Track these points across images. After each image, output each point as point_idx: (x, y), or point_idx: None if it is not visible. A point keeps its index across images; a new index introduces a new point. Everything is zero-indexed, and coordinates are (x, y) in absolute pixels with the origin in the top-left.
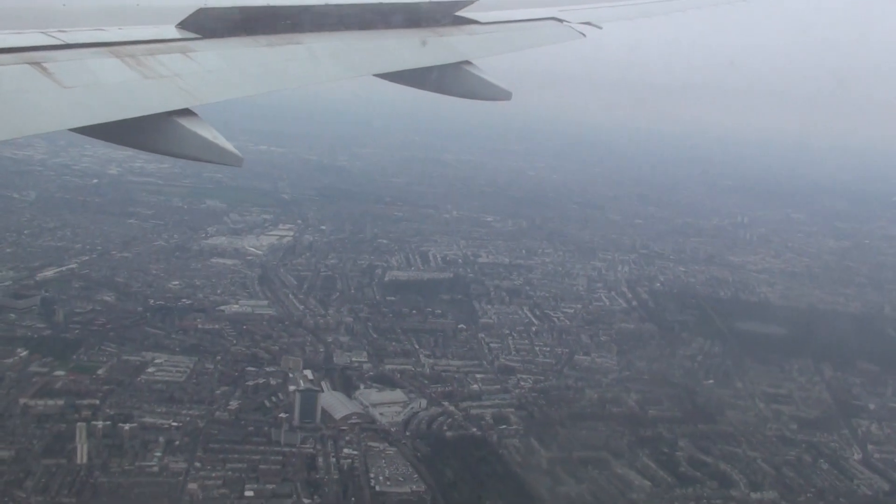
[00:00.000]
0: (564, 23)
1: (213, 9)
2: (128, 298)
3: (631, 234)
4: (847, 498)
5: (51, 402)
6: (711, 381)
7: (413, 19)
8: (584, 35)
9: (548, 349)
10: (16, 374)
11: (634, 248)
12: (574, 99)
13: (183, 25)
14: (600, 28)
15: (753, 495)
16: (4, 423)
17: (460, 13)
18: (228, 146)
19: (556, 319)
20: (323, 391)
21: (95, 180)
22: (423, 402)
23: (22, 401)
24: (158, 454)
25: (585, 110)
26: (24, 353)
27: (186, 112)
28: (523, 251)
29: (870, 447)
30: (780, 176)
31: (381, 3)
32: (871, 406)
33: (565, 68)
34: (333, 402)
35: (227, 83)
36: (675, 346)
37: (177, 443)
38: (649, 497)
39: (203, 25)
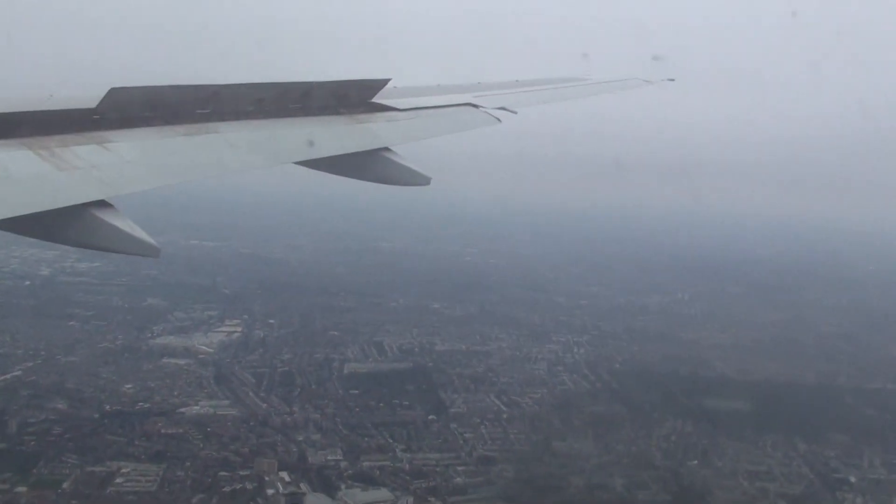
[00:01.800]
0: (480, 108)
1: (125, 90)
2: (82, 405)
3: (579, 316)
4: None
5: None
6: (696, 462)
7: (330, 105)
8: (499, 120)
9: (523, 436)
10: None
11: (586, 329)
12: (497, 183)
13: (97, 112)
14: (515, 113)
15: None
16: None
17: (377, 99)
18: (145, 236)
19: (524, 405)
20: (306, 493)
21: (27, 282)
22: (410, 500)
23: None
24: None
25: (510, 193)
26: None
27: (102, 204)
28: (477, 337)
29: None
30: (707, 250)
31: (295, 84)
32: (852, 479)
33: (486, 151)
34: None
35: (144, 174)
36: (648, 427)
37: None
38: None
39: (118, 113)
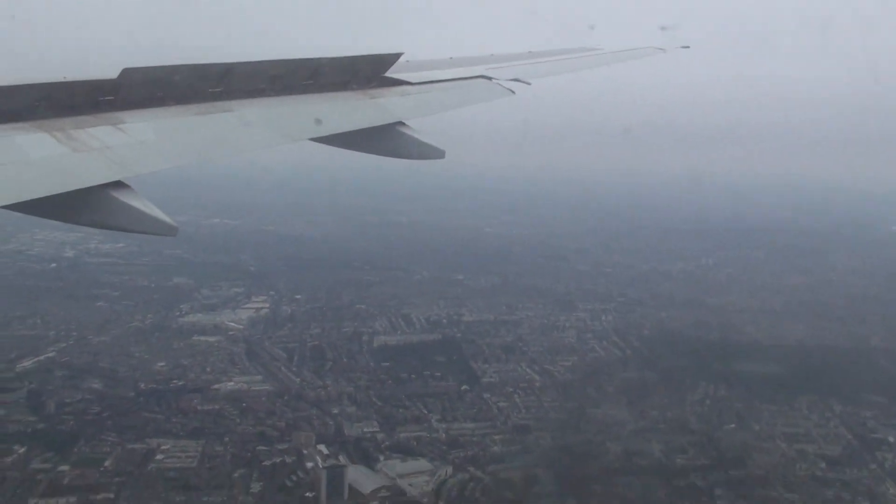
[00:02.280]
0: (493, 80)
1: (138, 70)
2: (117, 384)
3: (604, 284)
4: None
5: (62, 500)
6: (733, 426)
7: (343, 81)
8: (513, 92)
9: (557, 404)
10: (18, 473)
11: (612, 297)
12: (512, 154)
13: (111, 93)
14: (529, 84)
15: None
16: None
17: (390, 74)
18: (162, 215)
19: (556, 374)
20: (347, 466)
21: (53, 264)
22: (449, 470)
23: (31, 501)
24: None
25: (526, 165)
26: (22, 450)
27: (119, 184)
28: (504, 307)
29: None
30: (727, 216)
31: (307, 61)
32: (891, 439)
33: (501, 123)
34: (358, 477)
35: (158, 154)
36: (681, 392)
37: None
38: None
39: (131, 94)
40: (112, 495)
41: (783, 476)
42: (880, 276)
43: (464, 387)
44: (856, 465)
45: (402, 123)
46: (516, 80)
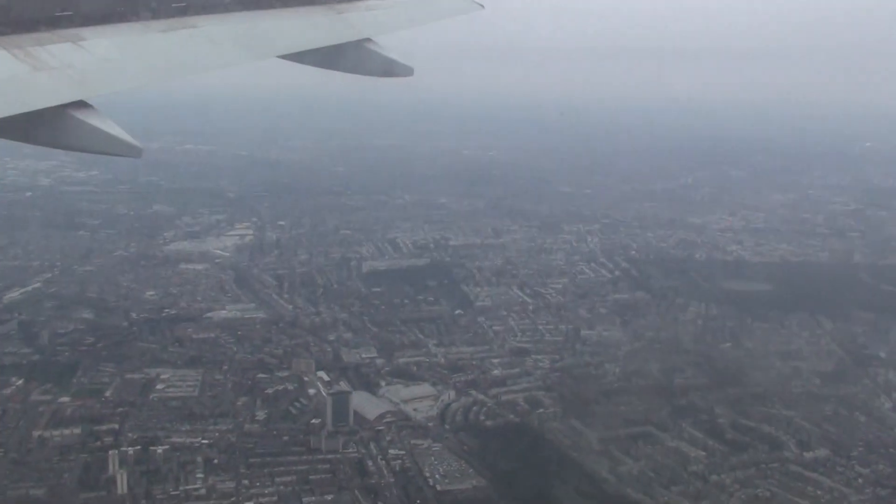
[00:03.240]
0: None
1: None
2: (108, 314)
3: (587, 205)
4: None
5: (67, 432)
6: (729, 345)
7: None
8: (482, 6)
9: (552, 327)
10: (19, 406)
11: (596, 218)
12: (482, 73)
13: (69, 7)
14: None
15: (807, 455)
16: (26, 458)
17: None
18: (126, 136)
19: (548, 296)
20: (351, 392)
21: (29, 193)
22: (452, 394)
23: (36, 433)
24: (201, 475)
25: (496, 84)
26: (20, 382)
27: (81, 104)
28: (490, 230)
29: (895, 395)
30: (704, 136)
31: None
32: (882, 354)
33: (469, 41)
34: (363, 403)
35: (122, 73)
36: (673, 312)
37: (215, 461)
38: (709, 467)
39: (91, 8)
40: (116, 426)
41: (780, 393)
42: (857, 191)
43: (458, 311)
44: (850, 380)
45: (369, 40)
46: None
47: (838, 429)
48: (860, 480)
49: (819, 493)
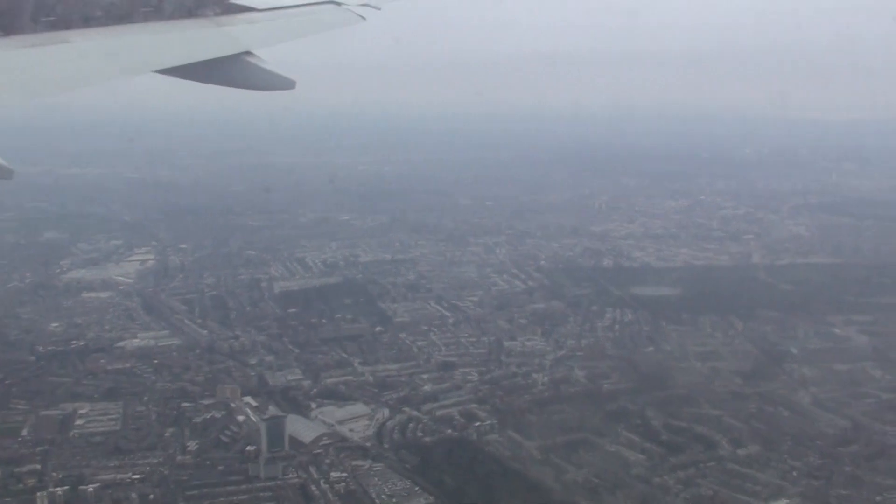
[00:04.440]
0: (343, 5)
1: None
2: (11, 348)
3: (489, 217)
4: (821, 440)
5: None
6: (648, 349)
7: (187, 7)
8: (363, 18)
9: (474, 339)
10: None
11: (500, 230)
12: (363, 85)
13: None
14: (378, 9)
15: (740, 452)
16: None
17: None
18: None
19: (466, 309)
20: (286, 416)
21: None
22: (386, 412)
23: None
24: None
25: (379, 96)
26: None
27: None
28: (398, 245)
29: (812, 389)
30: (592, 145)
31: None
32: (794, 350)
33: (350, 53)
34: (297, 427)
35: None
36: (590, 319)
37: (151, 496)
38: (651, 469)
39: None
40: (38, 466)
41: (705, 393)
42: (744, 196)
43: (378, 328)
44: (768, 377)
45: (249, 53)
46: (365, 4)
47: (765, 425)
48: (794, 473)
49: (758, 488)
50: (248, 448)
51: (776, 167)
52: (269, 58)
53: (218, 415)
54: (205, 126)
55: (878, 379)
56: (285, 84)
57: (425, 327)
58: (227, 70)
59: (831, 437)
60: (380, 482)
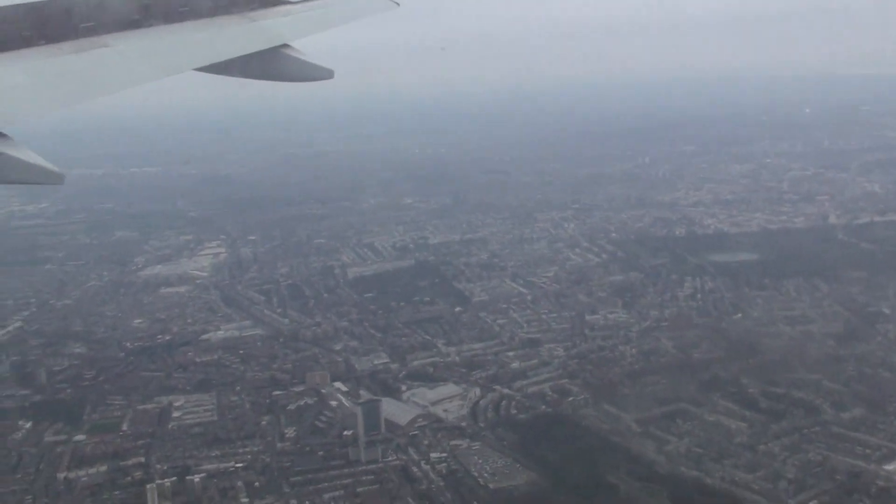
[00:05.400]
0: None
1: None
2: (101, 346)
3: (552, 193)
4: None
5: (92, 471)
6: (735, 316)
7: (222, 5)
8: (397, 4)
9: (555, 315)
10: (35, 449)
11: (566, 205)
12: (400, 70)
13: None
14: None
15: (844, 416)
16: (58, 502)
17: None
18: (45, 164)
19: (543, 285)
20: (381, 399)
21: None
22: (477, 391)
23: (61, 475)
24: (245, 500)
25: (415, 79)
26: (29, 425)
27: None
28: (464, 225)
29: None
30: (645, 114)
31: None
32: (886, 310)
33: (384, 37)
34: (391, 409)
35: (37, 99)
36: (671, 289)
37: (256, 484)
38: (754, 437)
39: None
40: (142, 459)
41: (800, 358)
42: (811, 156)
43: (457, 308)
44: (862, 339)
45: (286, 45)
46: None
47: (866, 387)
48: None
49: (868, 451)
50: (345, 433)
51: (837, 126)
52: (306, 48)
53: (310, 401)
54: (251, 120)
55: None
56: (323, 74)
57: (504, 305)
58: (266, 63)
59: None
60: (480, 461)
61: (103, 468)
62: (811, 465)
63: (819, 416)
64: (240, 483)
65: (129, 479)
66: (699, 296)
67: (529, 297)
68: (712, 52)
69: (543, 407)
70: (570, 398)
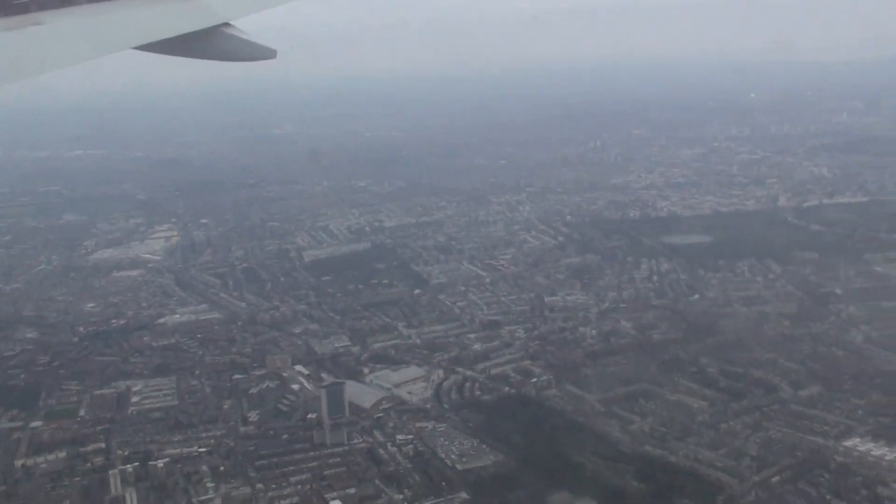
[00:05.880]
0: None
1: None
2: (53, 331)
3: (506, 176)
4: (881, 378)
5: (51, 457)
6: (691, 297)
7: None
8: None
9: (514, 297)
10: None
11: (520, 188)
12: (345, 52)
13: None
14: None
15: (802, 393)
16: (16, 490)
17: None
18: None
19: (501, 268)
20: (345, 382)
21: None
22: (441, 373)
23: (19, 462)
24: (211, 485)
25: (363, 63)
26: None
27: None
28: (420, 209)
29: (863, 328)
30: (588, 99)
31: None
32: (838, 291)
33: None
34: (355, 392)
35: None
36: (627, 271)
37: (221, 468)
38: (715, 416)
39: None
40: (103, 444)
41: (756, 338)
42: (758, 140)
43: (416, 291)
44: (816, 318)
45: (227, 24)
46: None
47: (822, 365)
48: (860, 412)
49: (826, 427)
50: (309, 416)
51: (784, 111)
52: (249, 27)
53: (272, 385)
54: (193, 101)
55: None
56: (266, 54)
57: (463, 288)
58: (207, 43)
59: (891, 374)
60: (447, 442)
61: (62, 454)
62: (772, 443)
63: (777, 395)
64: (204, 467)
65: (89, 465)
66: (655, 277)
67: (488, 280)
68: (660, 37)
69: (507, 388)
70: (534, 379)
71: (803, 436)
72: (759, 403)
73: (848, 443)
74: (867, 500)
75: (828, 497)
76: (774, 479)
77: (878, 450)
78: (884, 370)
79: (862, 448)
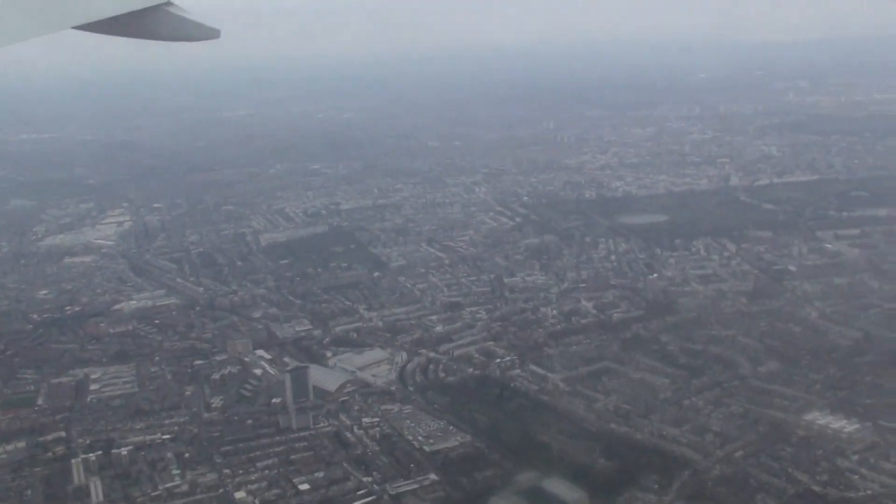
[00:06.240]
0: None
1: None
2: (6, 318)
3: (461, 157)
4: (837, 352)
5: (10, 447)
6: (650, 276)
7: None
8: None
9: (474, 278)
10: None
11: (475, 169)
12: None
13: None
14: None
15: (761, 370)
16: None
17: None
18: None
19: (460, 249)
20: (308, 366)
21: None
22: (404, 355)
23: None
24: (177, 472)
25: (307, 43)
26: None
27: None
28: (376, 191)
29: (817, 304)
30: (542, 80)
31: None
32: (792, 268)
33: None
34: (319, 376)
35: None
36: (585, 251)
37: (186, 455)
38: (678, 392)
39: None
40: (63, 433)
41: (714, 315)
42: (709, 120)
43: (376, 273)
44: (771, 296)
45: (169, 3)
46: None
47: (779, 341)
48: (818, 386)
49: (786, 402)
50: (273, 400)
51: (733, 90)
52: (191, 6)
53: (234, 370)
54: (140, 84)
55: (878, 290)
56: (209, 34)
57: (423, 270)
58: (149, 22)
59: (846, 349)
60: (413, 424)
61: (21, 444)
62: (734, 418)
63: (737, 371)
64: (169, 455)
65: (50, 454)
66: (613, 257)
67: (447, 261)
68: (610, 19)
69: (471, 369)
70: (497, 360)
71: (764, 411)
72: (719, 380)
73: (808, 416)
74: (828, 472)
75: (790, 470)
76: (738, 454)
77: (836, 423)
78: (839, 345)
79: (821, 421)
